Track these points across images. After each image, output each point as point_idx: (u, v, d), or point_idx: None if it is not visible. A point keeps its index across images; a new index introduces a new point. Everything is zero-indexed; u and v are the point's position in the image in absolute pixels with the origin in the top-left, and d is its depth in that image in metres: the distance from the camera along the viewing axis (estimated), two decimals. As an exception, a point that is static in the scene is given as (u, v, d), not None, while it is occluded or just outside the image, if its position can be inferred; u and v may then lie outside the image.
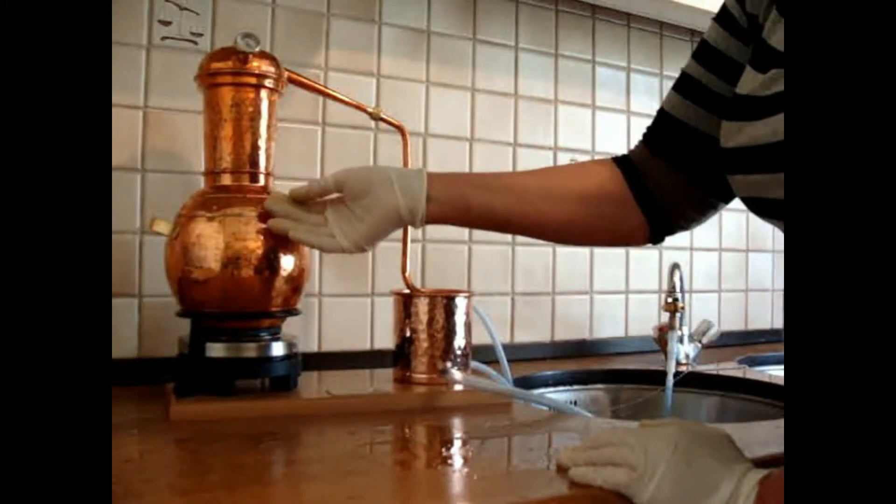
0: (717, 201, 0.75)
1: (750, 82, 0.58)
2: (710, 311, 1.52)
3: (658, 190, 0.74)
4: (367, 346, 1.14)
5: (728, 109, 0.60)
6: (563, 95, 1.34)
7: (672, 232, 0.77)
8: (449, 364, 0.91)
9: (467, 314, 0.93)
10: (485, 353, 1.05)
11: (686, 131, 0.71)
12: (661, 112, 0.74)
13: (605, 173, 0.75)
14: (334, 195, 0.78)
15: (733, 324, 1.57)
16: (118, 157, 0.96)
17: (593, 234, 0.78)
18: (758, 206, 0.57)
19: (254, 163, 0.85)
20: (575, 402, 1.16)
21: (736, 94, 0.60)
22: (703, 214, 0.77)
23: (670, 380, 1.15)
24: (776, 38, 0.57)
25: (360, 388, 0.91)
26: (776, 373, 1.26)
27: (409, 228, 0.94)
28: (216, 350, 0.81)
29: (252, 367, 0.82)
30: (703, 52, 0.70)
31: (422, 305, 0.91)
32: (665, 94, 0.76)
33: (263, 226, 0.81)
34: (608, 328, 1.40)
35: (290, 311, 0.86)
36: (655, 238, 0.77)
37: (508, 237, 1.27)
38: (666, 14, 1.40)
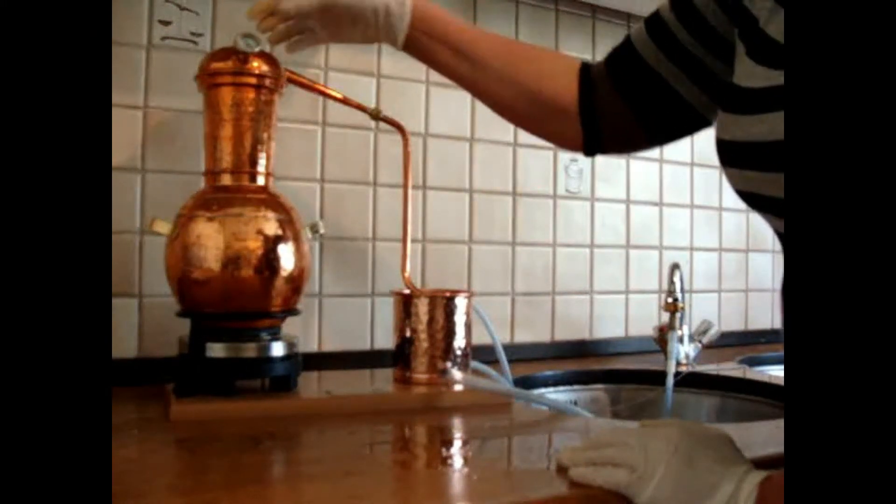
0: (650, 142, 0.77)
1: (748, 74, 0.57)
2: (710, 311, 1.52)
3: (602, 112, 0.75)
4: (367, 346, 1.14)
5: (725, 100, 0.60)
6: (563, 95, 1.34)
7: (604, 152, 0.79)
8: (449, 364, 0.91)
9: (467, 314, 0.93)
10: (485, 353, 1.05)
11: (642, 68, 0.71)
12: (626, 40, 0.74)
13: (564, 82, 0.76)
14: None
15: (733, 324, 1.57)
16: (118, 157, 0.96)
17: (530, 129, 0.82)
18: (752, 201, 0.56)
19: (254, 163, 0.85)
20: (575, 402, 1.16)
21: (733, 84, 0.59)
22: (635, 147, 0.80)
23: (670, 380, 1.15)
24: (774, 27, 0.56)
25: (360, 388, 0.91)
26: (776, 373, 1.26)
27: (409, 228, 0.94)
28: (216, 350, 0.81)
29: (252, 367, 0.82)
30: (679, 1, 0.69)
31: (422, 305, 0.91)
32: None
33: (263, 225, 0.81)
34: (608, 328, 1.40)
35: (290, 311, 0.86)
36: (588, 152, 0.79)
37: (509, 237, 1.27)
38: (666, 14, 1.40)
